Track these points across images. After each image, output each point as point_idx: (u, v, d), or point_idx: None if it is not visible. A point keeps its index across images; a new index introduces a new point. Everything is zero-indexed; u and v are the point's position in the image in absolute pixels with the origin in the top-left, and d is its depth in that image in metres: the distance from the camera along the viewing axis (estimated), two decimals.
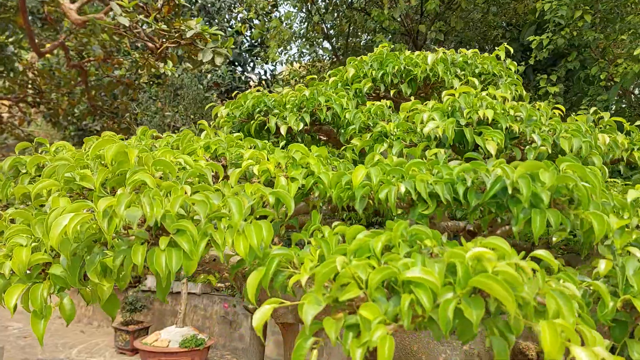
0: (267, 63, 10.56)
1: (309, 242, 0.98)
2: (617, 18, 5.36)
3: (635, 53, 3.99)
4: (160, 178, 0.96)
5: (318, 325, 0.78)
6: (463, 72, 1.79)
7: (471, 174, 1.01)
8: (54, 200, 0.86)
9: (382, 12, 6.17)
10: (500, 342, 0.78)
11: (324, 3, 7.15)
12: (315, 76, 2.06)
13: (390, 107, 1.66)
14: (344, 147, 1.57)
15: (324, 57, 8.86)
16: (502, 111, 1.36)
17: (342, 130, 1.67)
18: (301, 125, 1.62)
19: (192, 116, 7.52)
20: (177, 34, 3.62)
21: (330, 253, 0.88)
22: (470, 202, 0.99)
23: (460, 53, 1.85)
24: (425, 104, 1.52)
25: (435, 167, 1.07)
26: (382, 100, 1.66)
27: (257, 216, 0.92)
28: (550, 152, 1.38)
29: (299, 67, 9.96)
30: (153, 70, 4.41)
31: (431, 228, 0.99)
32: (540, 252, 0.87)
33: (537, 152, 1.36)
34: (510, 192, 0.96)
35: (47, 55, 4.71)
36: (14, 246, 0.90)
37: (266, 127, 1.72)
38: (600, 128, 1.63)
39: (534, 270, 0.79)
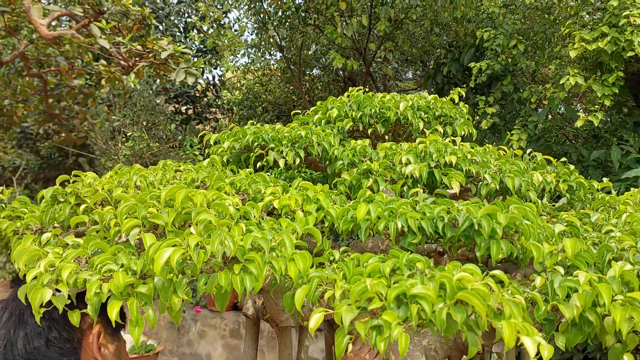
0: (215, 68, 10.71)
1: (329, 263, 1.33)
2: (547, 47, 6.07)
3: (561, 82, 4.61)
4: (215, 215, 1.27)
5: (350, 327, 1.13)
6: (426, 115, 2.21)
7: (446, 214, 1.40)
8: (144, 236, 1.16)
9: (334, 30, 6.58)
10: (472, 335, 1.16)
11: (277, 16, 7.47)
12: (300, 111, 2.40)
13: (370, 144, 2.04)
14: (334, 179, 1.93)
15: (275, 65, 9.17)
16: (463, 156, 1.77)
17: (330, 164, 2.03)
18: (297, 160, 1.96)
19: (144, 123, 7.60)
20: (150, 54, 3.85)
21: (350, 274, 1.23)
22: (446, 234, 1.38)
23: (423, 99, 2.27)
24: (400, 145, 1.91)
25: (419, 207, 1.45)
26: (361, 137, 2.04)
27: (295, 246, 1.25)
28: (497, 188, 1.81)
29: (246, 74, 10.21)
30: (117, 83, 4.57)
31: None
32: (496, 272, 1.27)
33: (488, 189, 1.78)
34: (475, 227, 1.36)
35: None
36: (109, 271, 1.19)
37: (264, 159, 2.05)
38: (535, 165, 2.09)
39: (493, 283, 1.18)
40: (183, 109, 10.18)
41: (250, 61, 8.56)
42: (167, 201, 1.32)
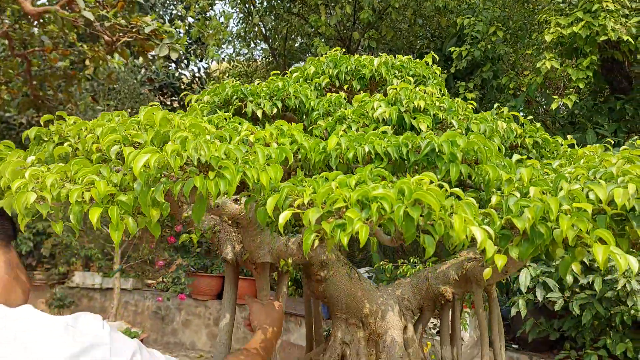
0: (201, 60, 10.75)
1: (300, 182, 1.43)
2: (525, 35, 6.24)
3: (537, 66, 4.76)
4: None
5: (317, 227, 1.22)
6: (400, 73, 2.31)
7: (411, 141, 1.50)
8: (124, 149, 1.24)
9: (319, 18, 6.69)
10: (429, 238, 1.26)
11: (262, 6, 7.56)
12: (279, 72, 2.49)
13: (345, 98, 2.14)
14: (310, 128, 2.02)
15: (260, 56, 9.26)
16: (431, 102, 1.88)
17: (306, 116, 2.13)
18: (274, 110, 2.06)
19: (128, 110, 7.65)
20: (134, 30, 3.91)
21: (319, 187, 1.33)
22: (410, 159, 1.48)
23: (397, 58, 2.37)
24: (373, 97, 2.01)
25: (385, 137, 1.55)
26: (339, 92, 2.13)
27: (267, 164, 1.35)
28: (464, 133, 1.91)
29: (232, 66, 10.27)
30: (102, 63, 4.63)
31: None
32: (455, 189, 1.37)
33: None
34: (437, 151, 1.46)
35: None
36: (91, 181, 1.27)
37: (243, 111, 2.14)
38: (502, 120, 2.20)
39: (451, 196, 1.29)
40: (168, 100, 10.22)
41: (235, 52, 8.63)
42: (146, 124, 1.40)
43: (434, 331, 5.72)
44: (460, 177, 1.51)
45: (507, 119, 2.23)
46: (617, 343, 4.59)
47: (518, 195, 1.49)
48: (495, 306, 2.42)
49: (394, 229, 1.22)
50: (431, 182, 1.23)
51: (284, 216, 1.19)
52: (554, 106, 4.55)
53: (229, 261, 2.14)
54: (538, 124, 2.32)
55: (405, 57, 2.39)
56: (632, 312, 4.37)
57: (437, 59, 2.58)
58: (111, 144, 1.34)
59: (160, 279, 8.56)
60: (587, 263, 4.69)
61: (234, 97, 2.16)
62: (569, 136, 2.39)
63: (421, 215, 1.25)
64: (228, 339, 2.22)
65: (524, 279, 4.73)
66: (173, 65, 10.43)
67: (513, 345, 5.93)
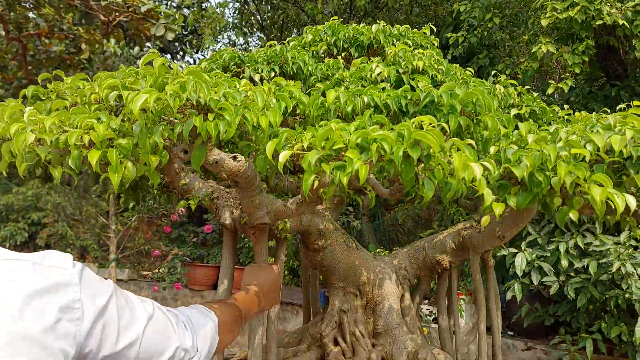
0: (197, 52, 10.73)
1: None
2: (522, 22, 6.26)
3: (533, 50, 4.78)
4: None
5: (316, 169, 1.22)
6: (398, 41, 2.31)
7: (410, 93, 1.51)
8: (122, 92, 1.24)
9: (315, 7, 6.68)
10: (428, 182, 1.27)
11: None
12: (275, 42, 2.49)
13: (343, 63, 2.14)
14: (308, 91, 2.02)
15: (257, 46, 9.24)
16: (430, 63, 1.88)
17: (304, 83, 2.12)
18: (272, 75, 2.05)
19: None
20: (130, 9, 3.90)
21: (318, 133, 1.33)
22: (409, 110, 1.49)
23: (395, 27, 2.38)
24: (372, 60, 2.02)
25: (385, 91, 1.55)
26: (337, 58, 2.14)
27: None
28: None
29: None
30: (97, 46, 4.61)
31: None
32: (454, 139, 1.38)
33: None
34: (436, 103, 1.46)
35: None
36: (90, 125, 1.27)
37: (241, 77, 2.13)
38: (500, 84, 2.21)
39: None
40: None
41: (230, 43, 8.62)
42: (145, 74, 1.40)
43: (430, 318, 5.73)
44: (459, 133, 1.51)
45: (504, 86, 2.24)
46: (611, 327, 4.61)
47: (516, 147, 1.50)
48: (491, 274, 2.43)
49: (394, 172, 1.22)
50: (431, 124, 1.23)
51: (284, 155, 1.19)
52: (550, 90, 4.57)
53: (227, 226, 2.14)
54: (535, 94, 2.33)
55: (403, 26, 2.39)
56: (627, 295, 4.39)
57: (435, 30, 2.58)
58: (109, 91, 1.34)
59: (157, 270, 8.55)
60: (582, 247, 4.71)
61: (232, 63, 2.16)
62: (565, 106, 2.40)
63: (420, 161, 1.25)
64: None
65: (520, 262, 4.74)
66: (169, 56, 10.40)
67: (508, 332, 5.95)
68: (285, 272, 7.87)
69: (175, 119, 1.23)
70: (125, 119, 1.29)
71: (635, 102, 1.72)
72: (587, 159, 1.39)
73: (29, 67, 5.18)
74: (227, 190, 2.26)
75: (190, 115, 1.23)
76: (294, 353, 2.39)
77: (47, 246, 8.54)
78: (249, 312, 1.50)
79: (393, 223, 8.41)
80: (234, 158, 1.67)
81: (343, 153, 1.20)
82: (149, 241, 8.03)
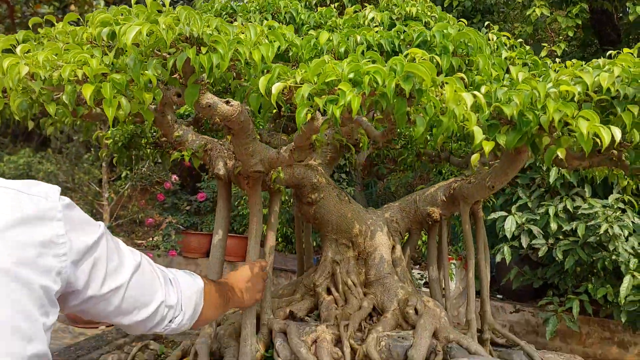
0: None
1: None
2: None
3: (527, 14, 4.76)
4: None
5: (309, 103, 1.24)
6: None
7: (402, 33, 1.51)
8: (115, 28, 1.24)
9: None
10: (420, 119, 1.28)
11: None
12: None
13: (336, 11, 2.13)
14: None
15: None
16: (423, 10, 1.88)
17: (297, 33, 2.12)
18: (264, 22, 2.04)
19: None
20: None
21: (311, 69, 1.34)
22: (402, 51, 1.49)
23: None
24: (365, 7, 2.01)
25: (378, 32, 1.56)
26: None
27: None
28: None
29: None
30: (87, 8, 4.54)
31: None
32: (445, 78, 1.39)
33: None
34: (428, 43, 1.47)
35: None
36: (84, 60, 1.27)
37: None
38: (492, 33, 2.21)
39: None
40: None
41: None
42: (137, 11, 1.39)
43: (422, 282, 5.83)
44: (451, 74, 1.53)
45: (497, 36, 2.24)
46: (598, 288, 4.70)
47: (505, 89, 1.51)
48: (481, 226, 2.48)
49: (386, 106, 1.23)
50: (423, 58, 1.24)
51: (276, 87, 1.20)
52: (543, 53, 4.56)
53: (221, 177, 2.16)
54: (528, 47, 2.33)
55: None
56: (613, 257, 4.47)
57: None
58: (102, 27, 1.33)
59: (151, 239, 8.58)
60: (572, 211, 4.77)
61: (224, 13, 2.15)
62: (557, 59, 2.41)
63: (412, 97, 1.27)
64: (221, 255, 2.25)
65: (510, 225, 4.80)
66: None
67: (498, 295, 6.07)
68: (279, 239, 7.93)
69: (169, 53, 1.23)
70: (119, 56, 1.29)
71: (625, 49, 1.74)
72: (575, 97, 1.41)
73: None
74: (221, 142, 2.27)
75: (183, 48, 1.24)
76: (287, 302, 2.44)
77: None
78: (234, 295, 1.48)
79: (385, 191, 8.47)
80: (227, 102, 1.67)
81: (336, 87, 1.22)
82: (143, 209, 8.04)
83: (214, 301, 1.24)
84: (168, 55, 1.24)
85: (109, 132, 3.05)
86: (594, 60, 1.75)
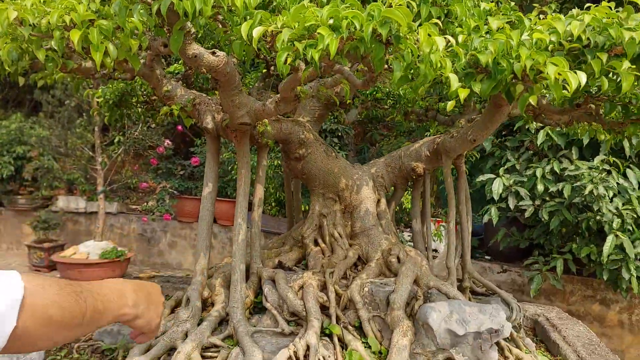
0: None
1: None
2: None
3: None
4: None
5: (290, 48, 1.28)
6: None
7: None
8: None
9: None
10: (397, 63, 1.34)
11: None
12: None
13: None
14: None
15: None
16: None
17: None
18: None
19: None
20: None
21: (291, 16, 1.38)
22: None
23: None
24: None
25: None
26: None
27: None
28: None
29: None
30: None
31: None
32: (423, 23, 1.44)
33: None
34: None
35: None
36: (71, 6, 1.30)
37: None
38: None
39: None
40: None
41: None
42: None
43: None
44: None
45: None
46: (582, 247, 4.82)
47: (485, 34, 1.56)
48: (463, 180, 2.56)
49: (364, 50, 1.29)
50: (399, 4, 1.29)
51: (258, 31, 1.25)
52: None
53: (210, 130, 2.21)
54: (512, 3, 2.36)
55: None
56: (598, 217, 4.57)
57: None
58: None
59: (145, 203, 8.64)
60: (558, 172, 4.85)
61: None
62: (541, 15, 2.45)
63: (390, 43, 1.32)
64: (211, 206, 2.32)
65: (497, 187, 4.89)
66: None
67: (486, 256, 6.21)
68: (272, 204, 8.02)
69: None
70: (105, 2, 1.33)
71: (604, 2, 1.78)
72: (549, 47, 1.47)
73: None
74: (210, 97, 2.31)
75: None
76: (276, 254, 2.53)
77: (34, 180, 8.56)
78: (108, 306, 0.95)
79: (378, 157, 8.54)
80: (213, 53, 1.72)
81: (315, 32, 1.26)
82: (136, 174, 8.08)
83: (55, 318, 0.85)
84: (152, 1, 1.27)
85: (100, 90, 3.08)
86: (571, 12, 1.80)
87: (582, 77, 1.29)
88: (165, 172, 8.37)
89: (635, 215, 4.57)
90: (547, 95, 2.10)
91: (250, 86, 3.04)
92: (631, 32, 1.34)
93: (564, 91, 1.44)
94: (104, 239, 7.73)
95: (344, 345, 2.05)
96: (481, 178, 4.95)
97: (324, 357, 1.89)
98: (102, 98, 3.04)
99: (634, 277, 4.46)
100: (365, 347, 2.06)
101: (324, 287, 2.23)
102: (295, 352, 1.87)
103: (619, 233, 4.45)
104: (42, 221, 7.96)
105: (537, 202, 4.99)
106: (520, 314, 2.38)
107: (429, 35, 1.24)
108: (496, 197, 4.97)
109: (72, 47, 1.35)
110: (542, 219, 4.87)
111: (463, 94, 1.42)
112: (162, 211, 7.65)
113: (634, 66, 1.38)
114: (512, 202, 5.02)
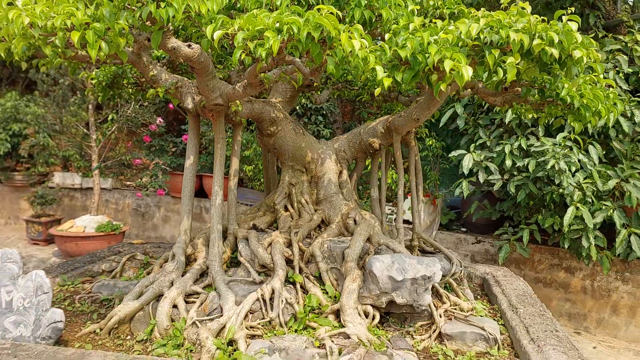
0: None
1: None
2: None
3: None
4: None
5: (243, 46, 1.66)
6: None
7: None
8: None
9: None
10: (330, 59, 1.71)
11: None
12: None
13: None
14: None
15: None
16: None
17: None
18: None
19: None
20: None
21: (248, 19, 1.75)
22: (324, 3, 1.90)
23: None
24: None
25: None
26: None
27: None
28: None
29: None
30: None
31: None
32: (356, 25, 1.81)
33: None
34: None
35: None
36: (71, 12, 1.68)
37: None
38: None
39: None
40: None
41: None
42: None
43: (393, 217, 6.35)
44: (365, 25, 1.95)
45: None
46: (546, 218, 5.23)
47: (407, 36, 1.93)
48: (414, 153, 2.96)
49: (302, 49, 1.66)
50: (330, 12, 1.66)
51: (217, 34, 1.63)
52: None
53: (190, 110, 2.59)
54: None
55: None
56: (560, 190, 4.96)
57: None
58: None
59: (139, 180, 9.00)
60: (525, 148, 5.22)
61: None
62: None
63: (323, 42, 1.69)
64: (193, 176, 2.71)
65: (467, 162, 5.27)
66: None
67: (462, 229, 6.64)
68: (261, 179, 8.40)
69: (135, 7, 1.65)
70: (98, 8, 1.70)
71: (520, 3, 2.15)
72: (459, 43, 1.84)
73: None
74: (190, 81, 2.68)
75: (147, 3, 1.65)
76: (251, 218, 2.93)
77: (30, 156, 8.90)
78: None
79: None
80: (189, 46, 2.09)
81: (264, 34, 1.64)
82: (130, 151, 8.42)
83: None
84: (134, 9, 1.65)
85: (94, 72, 3.44)
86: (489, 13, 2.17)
87: (469, 70, 1.67)
88: (158, 149, 8.72)
89: (595, 189, 4.92)
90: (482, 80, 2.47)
91: (232, 69, 3.40)
92: (516, 33, 1.72)
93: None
94: (100, 214, 8.13)
95: (305, 291, 2.46)
96: (453, 154, 5.34)
97: (286, 299, 2.31)
98: (95, 80, 3.40)
99: (592, 246, 4.84)
100: (323, 292, 2.48)
101: (289, 245, 2.64)
102: (262, 295, 2.29)
103: (579, 205, 4.82)
104: (39, 196, 8.35)
105: (506, 177, 5.37)
106: (460, 268, 2.80)
107: (350, 38, 1.62)
108: (466, 172, 5.37)
109: (72, 43, 1.72)
110: (510, 192, 5.25)
111: (387, 82, 1.81)
112: (155, 187, 8.01)
113: (518, 60, 1.76)
114: (482, 177, 5.41)
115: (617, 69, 5.29)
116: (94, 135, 7.46)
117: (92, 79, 3.45)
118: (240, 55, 1.65)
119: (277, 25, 1.65)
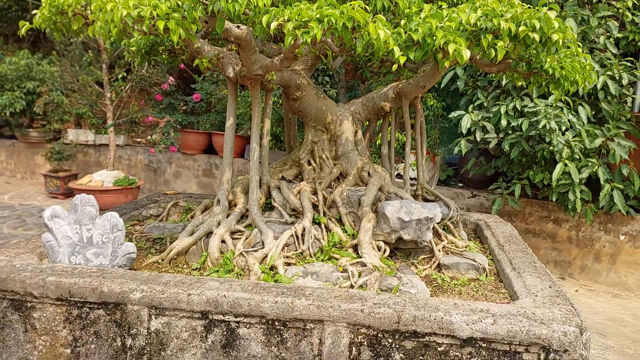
0: None
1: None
2: None
3: None
4: None
5: (292, 33, 2.16)
6: None
7: None
8: None
9: None
10: (359, 41, 2.22)
11: None
12: None
13: None
14: None
15: None
16: None
17: None
18: None
19: None
20: None
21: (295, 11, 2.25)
22: None
23: None
24: None
25: None
26: None
27: None
28: None
29: None
30: None
31: None
32: (378, 15, 2.31)
33: None
34: None
35: None
36: (155, 4, 2.16)
37: None
38: None
39: None
40: None
41: None
42: None
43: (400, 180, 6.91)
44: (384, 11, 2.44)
45: None
46: (537, 174, 5.77)
47: (419, 21, 2.43)
48: (420, 116, 3.49)
49: (337, 35, 2.17)
50: (360, 6, 2.16)
51: (274, 25, 2.13)
52: None
53: (231, 79, 3.09)
54: None
55: None
56: (551, 148, 5.49)
57: None
58: None
59: (150, 137, 9.47)
60: (520, 109, 5.71)
61: None
62: None
63: (353, 29, 2.19)
64: (233, 135, 3.24)
65: (466, 122, 5.79)
66: None
67: (459, 184, 7.22)
68: (269, 138, 8.90)
69: (207, 2, 2.14)
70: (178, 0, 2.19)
71: None
72: (461, 28, 2.33)
73: None
74: (230, 52, 3.16)
75: None
76: (280, 171, 3.49)
77: (45, 114, 9.33)
78: None
79: (368, 93, 9.34)
80: (238, 27, 2.59)
81: (308, 24, 2.14)
82: (142, 109, 8.85)
83: None
84: (208, 3, 2.14)
85: (132, 40, 3.91)
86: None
87: (468, 53, 2.19)
88: (168, 106, 9.17)
89: (583, 147, 5.42)
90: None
91: (255, 36, 3.87)
92: (506, 22, 2.22)
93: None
94: (115, 169, 8.66)
95: (328, 230, 3.04)
96: (453, 114, 5.84)
97: (314, 236, 2.89)
98: (135, 47, 3.87)
99: (578, 199, 5.37)
100: (343, 231, 3.06)
101: (314, 193, 3.20)
102: (295, 232, 2.87)
103: (567, 161, 5.34)
104: (56, 152, 8.86)
105: (501, 135, 5.88)
106: (456, 213, 3.38)
107: (375, 28, 2.13)
108: (464, 131, 5.89)
109: (156, 28, 2.22)
110: (504, 150, 5.77)
111: (402, 59, 2.32)
112: (167, 144, 8.49)
113: (507, 43, 2.27)
114: (479, 135, 5.92)
115: (608, 33, 5.72)
116: (108, 94, 7.90)
117: (132, 46, 3.92)
118: (290, 41, 2.16)
119: (318, 16, 2.15)
